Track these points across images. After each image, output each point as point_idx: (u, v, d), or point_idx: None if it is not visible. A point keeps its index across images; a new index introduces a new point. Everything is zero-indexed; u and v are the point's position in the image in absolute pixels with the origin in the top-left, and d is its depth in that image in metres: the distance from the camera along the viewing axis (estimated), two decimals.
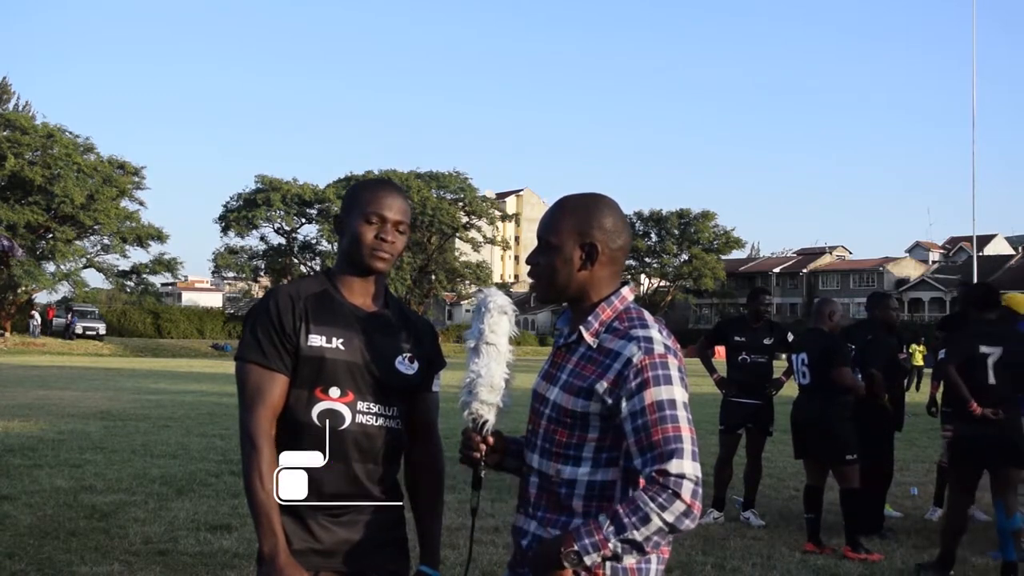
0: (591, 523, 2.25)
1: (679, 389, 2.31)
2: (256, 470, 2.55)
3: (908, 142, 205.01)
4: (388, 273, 2.83)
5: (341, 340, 2.68)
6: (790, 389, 8.55)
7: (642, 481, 2.25)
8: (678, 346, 2.43)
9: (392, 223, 2.74)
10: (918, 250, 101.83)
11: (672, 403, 2.28)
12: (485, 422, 2.58)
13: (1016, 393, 6.80)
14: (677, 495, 2.18)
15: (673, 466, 2.21)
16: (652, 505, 2.18)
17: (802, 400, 7.84)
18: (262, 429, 2.59)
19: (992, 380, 6.68)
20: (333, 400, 2.65)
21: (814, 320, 8.02)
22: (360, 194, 2.80)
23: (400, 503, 2.83)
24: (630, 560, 2.29)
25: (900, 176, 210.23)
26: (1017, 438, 6.71)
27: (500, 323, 2.63)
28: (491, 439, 2.59)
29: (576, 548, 2.23)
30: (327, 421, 2.64)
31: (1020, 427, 6.81)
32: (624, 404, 2.30)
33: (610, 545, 2.21)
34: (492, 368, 2.59)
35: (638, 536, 2.19)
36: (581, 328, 2.47)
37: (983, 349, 6.74)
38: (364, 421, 2.67)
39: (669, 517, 2.18)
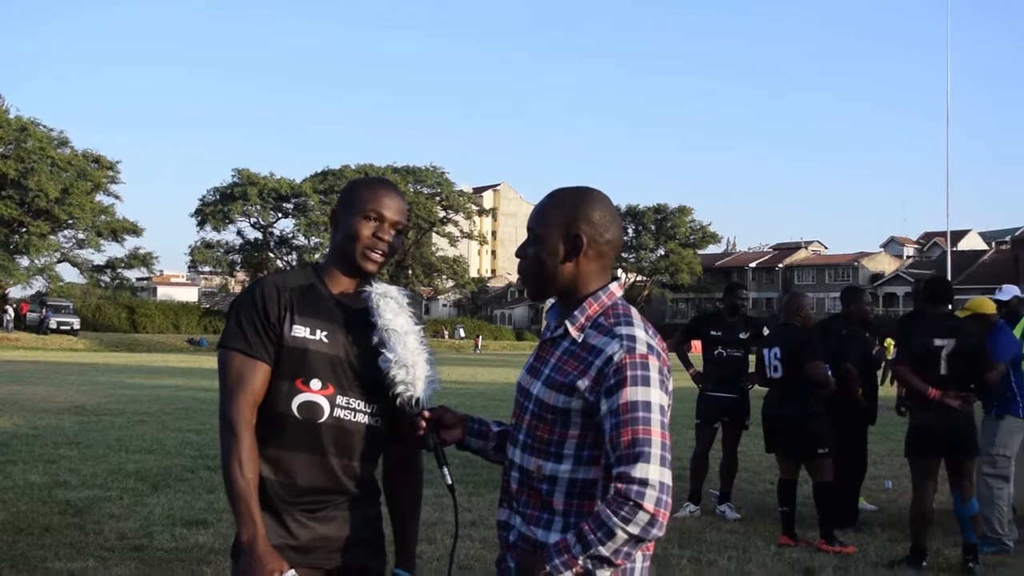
0: (561, 541, 2.25)
1: (656, 391, 2.27)
2: (236, 458, 2.54)
3: (883, 138, 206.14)
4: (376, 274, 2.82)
5: (325, 333, 2.67)
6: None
7: (611, 485, 2.22)
8: (664, 345, 2.40)
9: (390, 222, 2.74)
10: (893, 245, 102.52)
11: (647, 405, 2.24)
12: (414, 398, 2.61)
13: (968, 383, 7.00)
14: (639, 506, 2.15)
15: (637, 470, 2.17)
16: (615, 519, 2.16)
17: (774, 395, 7.87)
18: (243, 417, 2.58)
19: (944, 371, 6.88)
20: (313, 392, 2.64)
21: (784, 315, 8.06)
22: (359, 191, 2.78)
23: (378, 500, 2.83)
24: (603, 573, 2.26)
25: (875, 172, 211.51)
26: (970, 428, 7.00)
27: (387, 307, 2.68)
28: (426, 412, 2.60)
29: (548, 569, 2.23)
30: (306, 413, 2.64)
31: (972, 418, 7.07)
32: (603, 402, 2.28)
33: (579, 562, 2.20)
34: (399, 351, 2.63)
35: (605, 551, 2.18)
36: (567, 322, 2.45)
37: (937, 342, 6.93)
38: (342, 416, 2.66)
39: (634, 529, 2.15)
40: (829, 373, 7.67)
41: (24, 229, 57.89)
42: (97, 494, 8.64)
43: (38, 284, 61.75)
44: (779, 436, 7.74)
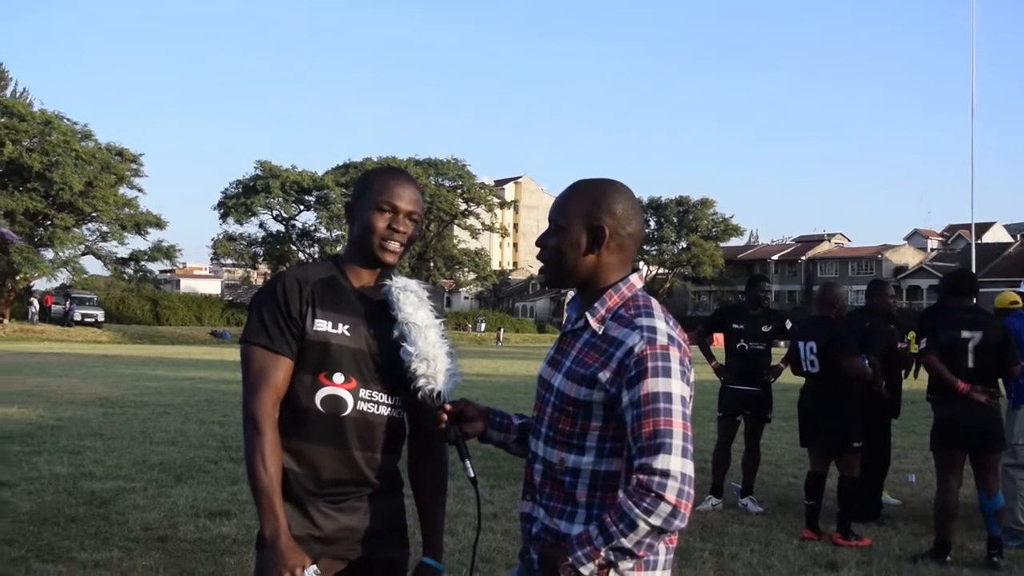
0: (583, 533, 2.24)
1: (678, 382, 2.26)
2: (259, 453, 2.55)
3: (907, 130, 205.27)
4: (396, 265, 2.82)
5: (347, 326, 2.67)
6: (788, 376, 8.55)
7: (632, 476, 2.22)
8: (685, 337, 2.39)
9: (404, 213, 2.73)
10: (917, 238, 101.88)
11: (668, 396, 2.23)
12: (435, 392, 2.61)
13: (995, 377, 6.98)
14: (661, 497, 2.14)
15: (659, 461, 2.16)
16: (637, 511, 2.15)
17: (809, 389, 7.82)
18: (266, 412, 2.59)
19: (971, 364, 6.86)
20: (336, 386, 2.65)
21: (819, 307, 7.98)
22: (372, 182, 2.77)
23: (401, 491, 2.83)
24: (626, 564, 2.27)
25: (899, 164, 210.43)
26: (995, 422, 6.96)
27: (407, 301, 2.68)
28: (448, 406, 2.60)
29: (570, 561, 2.23)
30: (329, 407, 2.64)
31: (998, 412, 7.04)
32: (624, 394, 2.27)
33: (601, 554, 2.20)
34: (420, 345, 2.63)
35: (627, 543, 2.17)
36: (587, 314, 2.43)
37: (964, 334, 6.91)
38: (365, 409, 2.67)
39: (656, 521, 2.15)
40: (867, 365, 7.63)
41: (49, 222, 58.20)
42: (121, 485, 8.70)
43: (62, 277, 62.02)
44: (814, 430, 7.69)
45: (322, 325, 2.65)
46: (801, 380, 7.94)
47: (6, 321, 53.80)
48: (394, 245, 2.72)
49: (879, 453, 8.38)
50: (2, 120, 56.10)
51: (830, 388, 7.58)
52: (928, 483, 9.57)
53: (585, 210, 2.44)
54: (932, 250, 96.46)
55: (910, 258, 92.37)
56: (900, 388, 8.91)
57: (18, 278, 56.55)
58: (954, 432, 6.90)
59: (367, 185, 2.78)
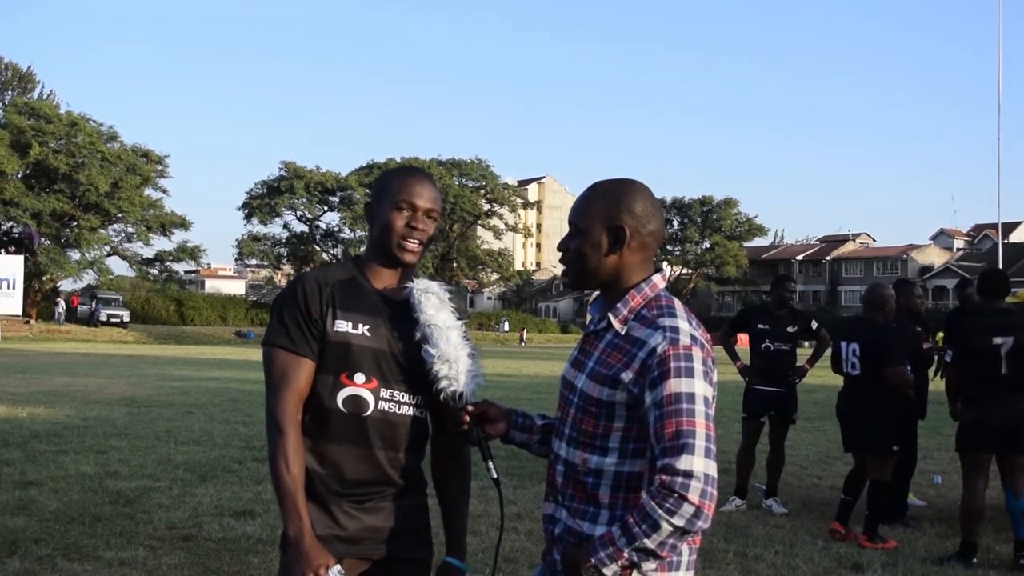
0: (606, 534, 2.23)
1: (701, 383, 2.25)
2: (282, 453, 2.56)
3: (933, 128, 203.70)
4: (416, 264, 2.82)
5: (368, 327, 2.68)
6: (813, 377, 8.51)
7: (655, 477, 2.21)
8: (708, 337, 2.38)
9: (423, 211, 2.73)
10: (942, 237, 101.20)
11: (691, 397, 2.22)
12: (457, 393, 2.61)
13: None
14: (684, 498, 2.13)
15: (682, 462, 2.15)
16: (660, 511, 2.14)
17: (849, 391, 7.75)
18: (288, 413, 2.60)
19: (1004, 370, 6.80)
20: (358, 386, 2.65)
21: (866, 308, 7.82)
22: (390, 182, 2.78)
23: (424, 491, 2.84)
24: (649, 565, 2.26)
25: (924, 162, 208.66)
26: (1022, 423, 6.85)
27: (429, 303, 2.68)
28: (470, 407, 2.60)
29: (593, 561, 2.22)
30: (351, 407, 2.65)
31: None
32: (647, 394, 2.26)
33: (624, 554, 2.19)
34: (442, 346, 2.63)
35: (650, 544, 2.16)
36: (610, 315, 2.43)
37: (996, 340, 6.83)
38: (387, 408, 2.67)
39: (679, 521, 2.14)
40: (908, 370, 7.56)
41: (75, 223, 58.66)
42: (147, 484, 8.75)
43: (88, 277, 62.57)
44: (854, 433, 7.64)
45: (342, 326, 2.66)
46: (828, 381, 7.88)
47: (33, 321, 54.23)
48: (413, 244, 2.73)
49: (905, 454, 8.32)
50: (29, 122, 56.59)
51: (869, 391, 7.50)
52: (954, 484, 9.50)
53: (605, 211, 2.44)
54: (958, 250, 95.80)
55: (936, 258, 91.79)
56: (926, 389, 8.85)
57: (45, 279, 57.05)
58: (980, 433, 6.85)
59: (386, 185, 2.79)
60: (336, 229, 75.65)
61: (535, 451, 2.71)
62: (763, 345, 8.89)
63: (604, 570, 2.21)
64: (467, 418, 2.59)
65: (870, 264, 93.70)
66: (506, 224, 79.60)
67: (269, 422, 2.62)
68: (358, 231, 71.96)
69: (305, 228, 75.11)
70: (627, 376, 2.31)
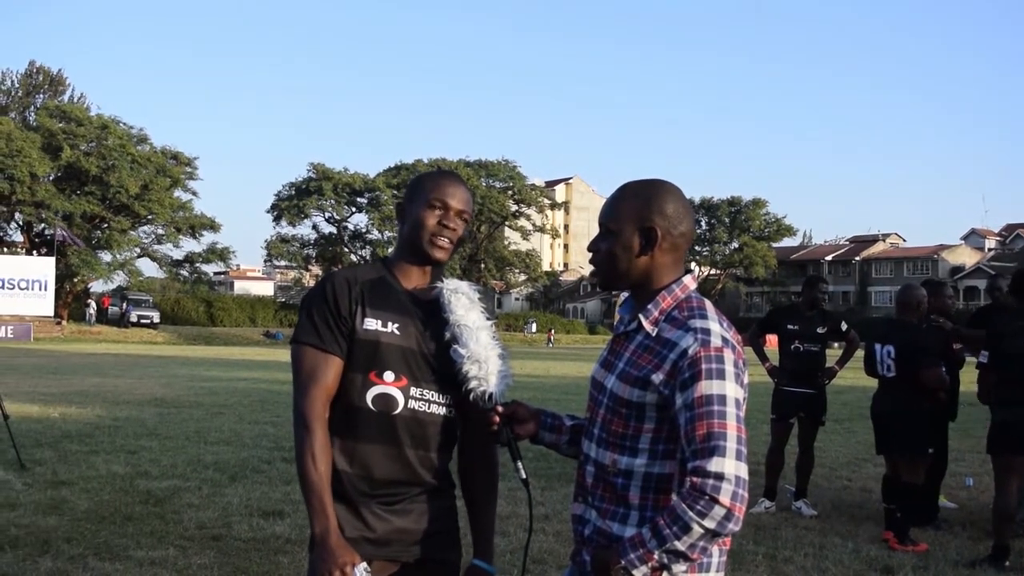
0: (636, 535, 2.23)
1: (732, 385, 2.24)
2: (309, 452, 2.56)
3: (963, 127, 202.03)
4: (445, 264, 2.83)
5: (397, 325, 2.68)
6: (843, 378, 8.45)
7: (686, 479, 2.20)
8: (739, 339, 2.37)
9: (455, 211, 2.75)
10: (973, 237, 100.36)
11: (722, 399, 2.21)
12: (487, 394, 2.61)
13: None
14: (715, 500, 2.12)
15: (713, 464, 2.15)
16: (691, 513, 2.13)
17: (884, 394, 7.69)
18: (316, 411, 2.60)
19: None
20: (387, 384, 2.65)
21: (899, 310, 7.74)
22: (424, 183, 2.81)
23: (452, 492, 2.84)
24: (679, 567, 2.25)
25: (955, 162, 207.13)
26: None
27: (459, 303, 2.69)
28: (499, 407, 2.60)
29: (623, 563, 2.21)
30: (380, 405, 2.65)
31: None
32: (678, 396, 2.25)
33: (655, 556, 2.18)
34: (472, 346, 2.63)
35: (680, 546, 2.15)
36: (640, 316, 2.42)
37: None
38: (416, 407, 2.67)
39: (710, 524, 2.13)
40: (944, 372, 7.50)
41: (106, 225, 59.22)
42: (177, 484, 8.80)
43: (119, 279, 63.17)
44: (888, 435, 7.58)
45: (372, 324, 2.66)
46: (858, 382, 7.83)
47: (64, 322, 54.74)
48: (444, 241, 2.73)
49: (936, 456, 8.25)
50: (60, 125, 57.20)
51: (904, 393, 7.44)
52: (986, 487, 9.40)
53: (636, 212, 2.42)
54: (989, 250, 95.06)
55: (967, 258, 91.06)
56: (957, 390, 8.77)
57: (76, 280, 57.61)
58: (1013, 434, 6.77)
59: (419, 184, 2.82)
60: (364, 231, 75.88)
61: (564, 452, 2.70)
62: (792, 346, 8.83)
63: (634, 572, 2.20)
64: (496, 418, 2.59)
65: (900, 264, 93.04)
66: (534, 225, 79.54)
67: (296, 419, 2.63)
68: (386, 232, 72.14)
69: (333, 229, 75.36)
70: (658, 377, 2.30)
